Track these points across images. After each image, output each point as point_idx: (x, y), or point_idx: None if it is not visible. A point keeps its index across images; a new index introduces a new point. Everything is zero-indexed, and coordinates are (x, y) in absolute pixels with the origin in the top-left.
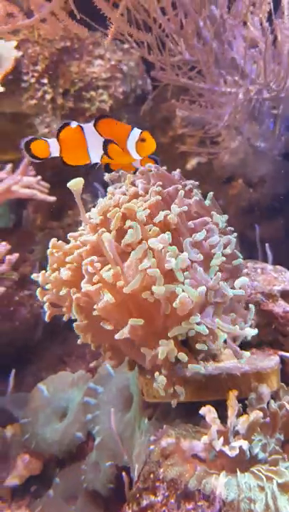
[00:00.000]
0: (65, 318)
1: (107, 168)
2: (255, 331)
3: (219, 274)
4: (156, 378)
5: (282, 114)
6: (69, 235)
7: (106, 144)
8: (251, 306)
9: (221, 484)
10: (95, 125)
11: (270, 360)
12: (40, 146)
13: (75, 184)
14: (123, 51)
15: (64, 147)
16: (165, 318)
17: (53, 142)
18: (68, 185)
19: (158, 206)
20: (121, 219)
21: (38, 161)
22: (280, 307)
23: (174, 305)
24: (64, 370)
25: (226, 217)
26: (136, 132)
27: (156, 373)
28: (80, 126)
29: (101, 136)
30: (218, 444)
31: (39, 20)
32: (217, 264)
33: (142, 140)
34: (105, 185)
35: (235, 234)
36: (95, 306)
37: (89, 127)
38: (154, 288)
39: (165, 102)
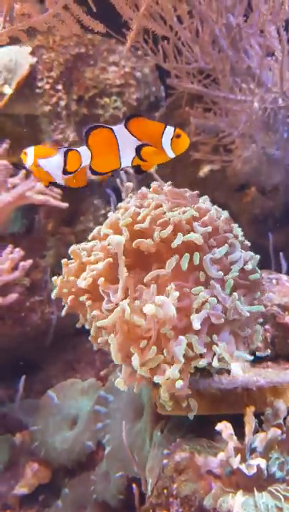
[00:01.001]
0: (78, 325)
1: (138, 170)
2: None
3: (235, 294)
4: (159, 395)
5: None
6: (81, 247)
7: (139, 149)
8: (258, 327)
9: (238, 504)
10: (125, 126)
11: (286, 375)
12: (73, 158)
13: (118, 243)
14: (137, 58)
15: (95, 153)
16: None
17: (84, 150)
18: (111, 241)
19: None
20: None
21: (68, 175)
22: None
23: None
24: (73, 376)
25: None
26: (170, 129)
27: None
28: (110, 129)
29: (134, 136)
30: (236, 462)
31: (52, 15)
32: (230, 278)
33: (176, 136)
34: (117, 191)
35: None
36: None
37: (120, 129)
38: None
39: (179, 109)
